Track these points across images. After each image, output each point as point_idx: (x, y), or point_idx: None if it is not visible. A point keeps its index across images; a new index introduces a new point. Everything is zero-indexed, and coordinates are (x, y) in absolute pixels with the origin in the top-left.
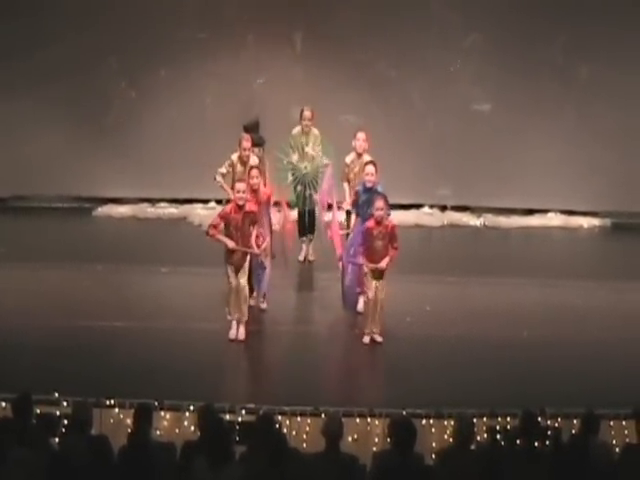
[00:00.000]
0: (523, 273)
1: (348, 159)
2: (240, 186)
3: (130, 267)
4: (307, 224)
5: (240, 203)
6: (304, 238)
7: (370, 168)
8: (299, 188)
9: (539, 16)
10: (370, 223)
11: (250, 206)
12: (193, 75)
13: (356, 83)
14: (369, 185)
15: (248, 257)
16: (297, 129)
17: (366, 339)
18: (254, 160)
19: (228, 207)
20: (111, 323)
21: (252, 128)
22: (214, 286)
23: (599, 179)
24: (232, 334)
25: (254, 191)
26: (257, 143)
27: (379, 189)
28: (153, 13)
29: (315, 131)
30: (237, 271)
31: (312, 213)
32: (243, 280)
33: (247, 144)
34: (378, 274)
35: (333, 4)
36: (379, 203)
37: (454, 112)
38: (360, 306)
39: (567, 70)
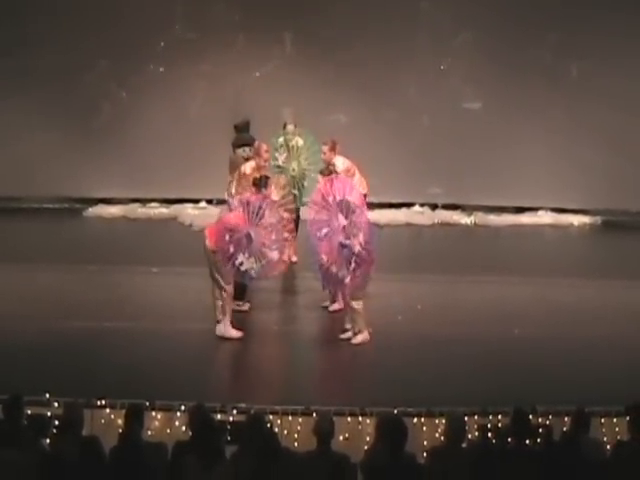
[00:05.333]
0: (514, 271)
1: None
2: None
3: (121, 267)
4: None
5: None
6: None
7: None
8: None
9: (529, 15)
10: None
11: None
12: (183, 75)
13: (346, 83)
14: None
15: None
16: (281, 140)
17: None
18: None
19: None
20: (101, 323)
21: (243, 128)
22: (205, 286)
23: (589, 177)
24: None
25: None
26: (247, 143)
27: None
28: (143, 14)
29: (299, 141)
30: None
31: (297, 213)
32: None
33: (267, 155)
34: None
35: (322, 4)
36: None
37: (444, 111)
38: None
39: (557, 69)
